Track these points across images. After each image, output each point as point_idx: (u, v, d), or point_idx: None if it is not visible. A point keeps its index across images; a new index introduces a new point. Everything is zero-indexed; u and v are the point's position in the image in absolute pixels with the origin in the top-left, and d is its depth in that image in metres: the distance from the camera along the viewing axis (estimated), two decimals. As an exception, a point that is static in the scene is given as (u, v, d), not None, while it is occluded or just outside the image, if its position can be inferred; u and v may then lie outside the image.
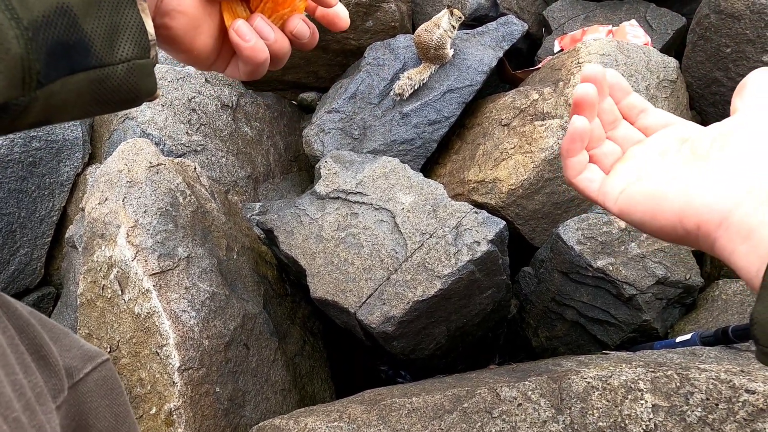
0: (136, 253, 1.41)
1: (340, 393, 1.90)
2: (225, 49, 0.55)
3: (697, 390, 0.94)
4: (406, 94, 2.19)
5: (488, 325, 1.78)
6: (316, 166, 1.89)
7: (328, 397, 1.86)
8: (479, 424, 1.01)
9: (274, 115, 2.63)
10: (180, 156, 2.16)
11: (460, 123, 2.28)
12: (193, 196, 1.59)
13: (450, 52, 2.21)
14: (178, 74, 2.35)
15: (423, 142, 2.17)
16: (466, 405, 1.04)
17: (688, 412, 0.93)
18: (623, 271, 1.61)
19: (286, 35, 0.55)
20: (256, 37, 0.52)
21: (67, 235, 1.92)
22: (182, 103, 2.28)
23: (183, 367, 1.34)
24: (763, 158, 0.41)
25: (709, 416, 0.91)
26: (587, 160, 0.54)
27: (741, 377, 0.93)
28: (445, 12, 2.19)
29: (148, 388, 1.35)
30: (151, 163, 1.55)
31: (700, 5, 2.13)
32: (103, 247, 1.45)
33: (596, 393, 0.99)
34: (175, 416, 1.32)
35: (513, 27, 2.36)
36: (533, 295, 1.85)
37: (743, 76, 0.50)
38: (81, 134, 2.30)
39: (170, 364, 1.34)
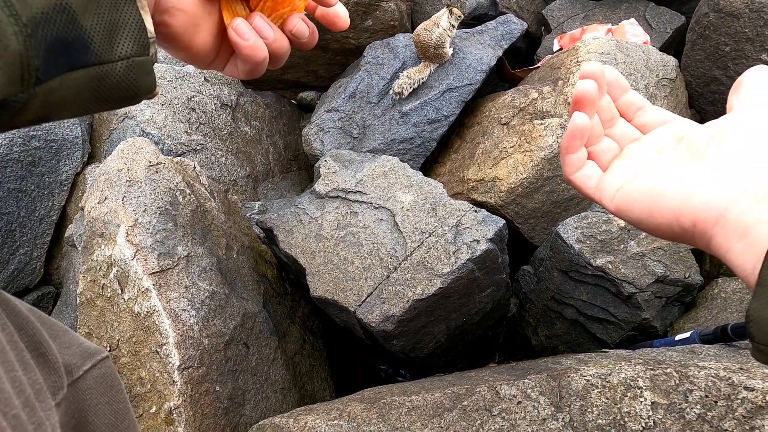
0: (136, 252, 1.41)
1: (339, 392, 1.90)
2: (224, 48, 0.55)
3: (696, 387, 0.94)
4: (406, 93, 2.19)
5: (488, 324, 1.78)
6: (316, 165, 1.89)
7: (327, 396, 1.87)
8: (479, 422, 1.01)
9: (274, 114, 2.63)
10: (179, 155, 2.16)
11: (460, 122, 2.28)
12: (192, 196, 1.59)
13: (449, 51, 2.21)
14: (178, 73, 2.35)
15: (422, 141, 2.17)
16: (465, 403, 1.04)
17: (687, 410, 0.93)
18: (623, 270, 1.61)
19: (286, 34, 0.55)
20: (255, 36, 0.52)
21: (66, 235, 1.92)
22: (181, 103, 2.28)
23: (183, 366, 1.34)
24: (759, 156, 0.41)
25: (708, 413, 0.91)
26: (586, 157, 0.54)
27: (740, 374, 0.94)
28: (444, 11, 2.19)
29: (148, 386, 1.35)
30: (150, 162, 1.55)
31: (699, 4, 2.13)
32: (102, 247, 1.45)
33: (596, 391, 0.99)
34: (175, 415, 1.32)
35: (512, 26, 2.36)
36: (533, 294, 1.85)
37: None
38: (80, 133, 2.30)
39: (170, 362, 1.34)
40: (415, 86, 2.19)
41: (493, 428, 1.00)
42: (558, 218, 1.87)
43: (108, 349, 1.41)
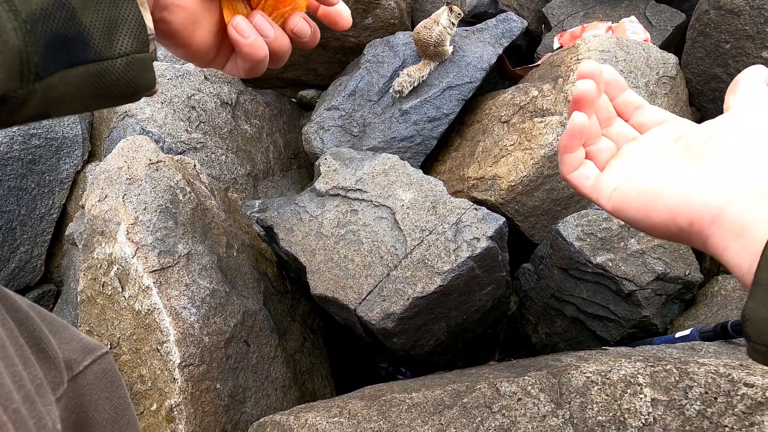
0: (136, 250, 1.41)
1: (340, 389, 1.90)
2: (224, 46, 0.54)
3: (696, 384, 0.94)
4: (406, 91, 2.19)
5: (488, 322, 1.78)
6: (316, 163, 1.89)
7: (328, 394, 1.87)
8: (479, 419, 1.01)
9: (274, 112, 2.63)
10: (180, 153, 2.16)
11: (460, 120, 2.28)
12: (192, 194, 1.59)
13: (449, 49, 2.21)
14: (178, 72, 2.35)
15: (422, 139, 2.17)
16: (465, 400, 1.04)
17: (687, 406, 0.93)
18: (623, 267, 1.61)
19: (287, 33, 0.54)
20: (255, 34, 0.52)
21: (67, 233, 1.92)
22: (182, 101, 2.28)
23: (183, 364, 1.34)
24: (756, 156, 0.41)
25: (708, 410, 0.92)
26: (583, 156, 0.54)
27: (740, 371, 0.94)
28: (444, 9, 2.19)
29: (149, 384, 1.36)
30: (150, 160, 1.55)
31: (700, 1, 2.12)
32: (103, 245, 1.45)
33: (596, 387, 1.00)
34: (175, 412, 1.32)
35: (512, 24, 2.36)
36: (533, 292, 1.85)
37: (743, 72, 0.50)
38: (80, 132, 2.30)
39: (171, 360, 1.34)
40: (415, 84, 2.19)
41: (493, 425, 1.00)
42: (558, 216, 1.87)
43: (109, 346, 1.41)
